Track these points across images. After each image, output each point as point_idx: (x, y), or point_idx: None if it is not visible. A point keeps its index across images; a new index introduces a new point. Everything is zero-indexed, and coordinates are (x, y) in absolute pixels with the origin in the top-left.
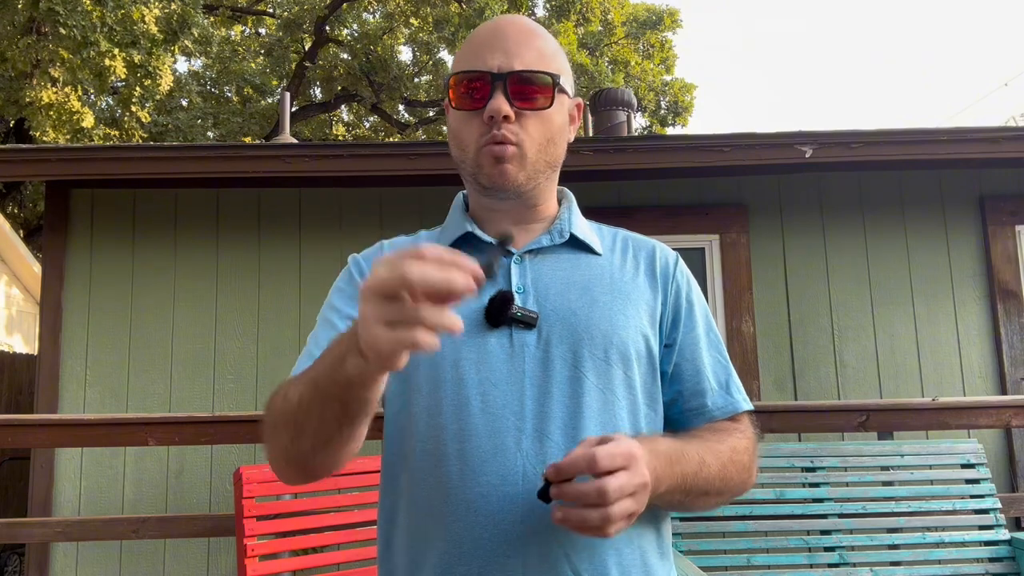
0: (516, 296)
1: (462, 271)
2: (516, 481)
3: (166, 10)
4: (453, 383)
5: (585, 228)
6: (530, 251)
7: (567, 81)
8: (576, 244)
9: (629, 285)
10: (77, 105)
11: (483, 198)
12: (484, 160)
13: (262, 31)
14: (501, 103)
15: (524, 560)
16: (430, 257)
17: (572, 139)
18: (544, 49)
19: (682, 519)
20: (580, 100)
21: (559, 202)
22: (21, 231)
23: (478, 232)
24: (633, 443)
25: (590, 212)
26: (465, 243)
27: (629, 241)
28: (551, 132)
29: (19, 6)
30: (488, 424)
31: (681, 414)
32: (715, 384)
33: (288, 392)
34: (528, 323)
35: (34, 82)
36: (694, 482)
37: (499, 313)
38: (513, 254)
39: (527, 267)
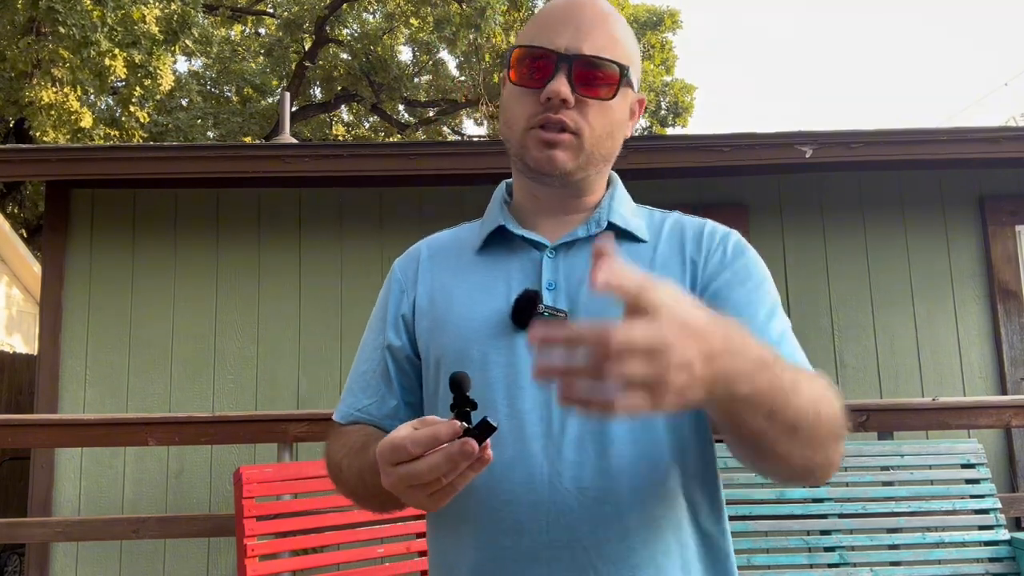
0: (546, 293)
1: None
2: (542, 488)
3: (166, 10)
4: (480, 387)
5: (628, 214)
6: (564, 244)
7: (635, 73)
8: (617, 233)
9: (674, 274)
10: (76, 105)
11: (527, 180)
12: (530, 142)
13: (262, 31)
14: (562, 86)
15: (549, 570)
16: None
17: (629, 135)
18: (616, 35)
19: None
20: (643, 96)
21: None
22: (21, 231)
23: (509, 226)
24: (677, 327)
25: None
26: (498, 237)
27: (680, 226)
28: (610, 125)
29: (19, 6)
30: (514, 429)
31: None
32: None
33: (342, 466)
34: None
35: (34, 82)
36: (783, 401)
37: (525, 313)
38: (547, 248)
39: (560, 262)
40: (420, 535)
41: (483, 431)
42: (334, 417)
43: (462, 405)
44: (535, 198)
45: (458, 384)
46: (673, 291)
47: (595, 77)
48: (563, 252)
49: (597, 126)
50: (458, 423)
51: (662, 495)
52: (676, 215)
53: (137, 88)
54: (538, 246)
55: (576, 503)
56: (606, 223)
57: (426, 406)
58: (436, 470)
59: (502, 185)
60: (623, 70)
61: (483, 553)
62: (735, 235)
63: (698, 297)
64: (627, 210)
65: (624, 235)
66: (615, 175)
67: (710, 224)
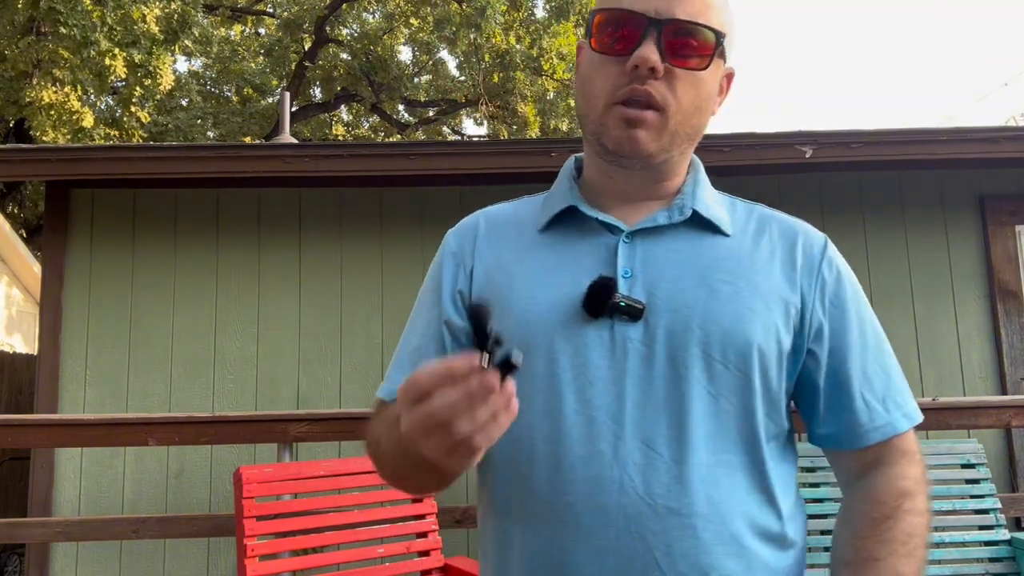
0: (621, 281)
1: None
2: (611, 492)
3: (166, 10)
4: (545, 378)
5: (713, 203)
6: (642, 230)
7: (729, 43)
8: (700, 223)
9: (760, 274)
10: (77, 105)
11: (602, 162)
12: (611, 120)
13: (262, 31)
14: (651, 53)
15: None
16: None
17: (716, 113)
18: (712, 0)
19: None
20: (733, 70)
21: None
22: (21, 231)
23: (583, 208)
24: None
25: None
26: (567, 217)
27: (768, 222)
28: (699, 100)
29: (19, 6)
30: (582, 426)
31: (833, 436)
32: (872, 400)
33: (380, 440)
34: (632, 314)
35: (34, 82)
36: None
37: (599, 301)
38: (623, 232)
39: (637, 248)
40: (420, 535)
41: (504, 367)
42: (378, 395)
43: (483, 339)
44: (610, 179)
45: (478, 316)
46: None
47: (688, 45)
48: (640, 238)
49: (685, 101)
50: (477, 357)
51: (740, 507)
52: (761, 208)
53: (137, 88)
54: (613, 230)
55: (648, 511)
56: (690, 211)
57: None
58: (452, 408)
59: (571, 160)
60: (719, 38)
61: (541, 558)
62: (831, 247)
63: (797, 318)
64: (710, 198)
65: (708, 226)
66: (697, 159)
67: (803, 229)
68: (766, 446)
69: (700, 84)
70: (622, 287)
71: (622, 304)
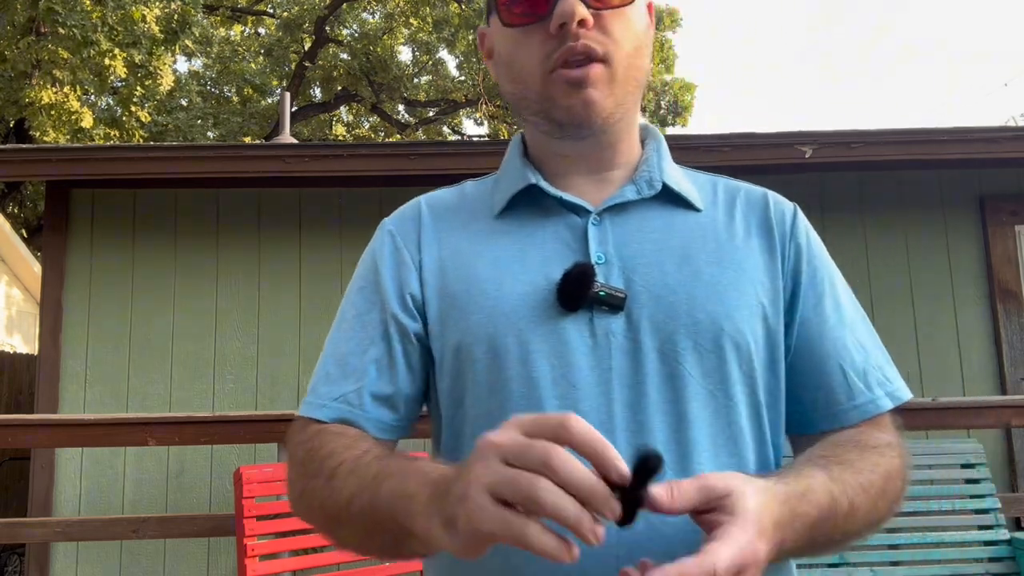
0: (596, 269)
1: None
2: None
3: (166, 10)
4: (521, 382)
5: (679, 176)
6: (611, 208)
7: None
8: (670, 197)
9: (742, 251)
10: (77, 105)
11: (553, 140)
12: (556, 89)
13: (262, 31)
14: (574, 4)
15: None
16: (582, 444)
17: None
18: None
19: None
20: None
21: (642, 142)
22: (21, 231)
23: (543, 185)
24: (757, 534)
25: None
26: (525, 199)
27: (735, 193)
28: (637, 38)
29: (19, 6)
30: None
31: (803, 415)
32: (852, 375)
33: (336, 485)
34: (613, 304)
35: (34, 82)
36: (834, 536)
37: (577, 292)
38: (591, 213)
39: (607, 229)
40: None
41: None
42: (307, 413)
43: (639, 487)
44: (563, 157)
45: (646, 467)
46: (751, 486)
47: None
48: (609, 218)
49: (625, 42)
50: (626, 472)
51: None
52: (724, 179)
53: (137, 88)
54: (578, 211)
55: (651, 529)
56: (660, 184)
57: (443, 404)
58: (556, 508)
59: (517, 136)
60: None
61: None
62: (800, 213)
63: (781, 292)
64: (676, 171)
65: (679, 201)
66: (654, 128)
67: (772, 196)
68: (772, 443)
69: (632, 20)
70: (599, 275)
71: (602, 294)
